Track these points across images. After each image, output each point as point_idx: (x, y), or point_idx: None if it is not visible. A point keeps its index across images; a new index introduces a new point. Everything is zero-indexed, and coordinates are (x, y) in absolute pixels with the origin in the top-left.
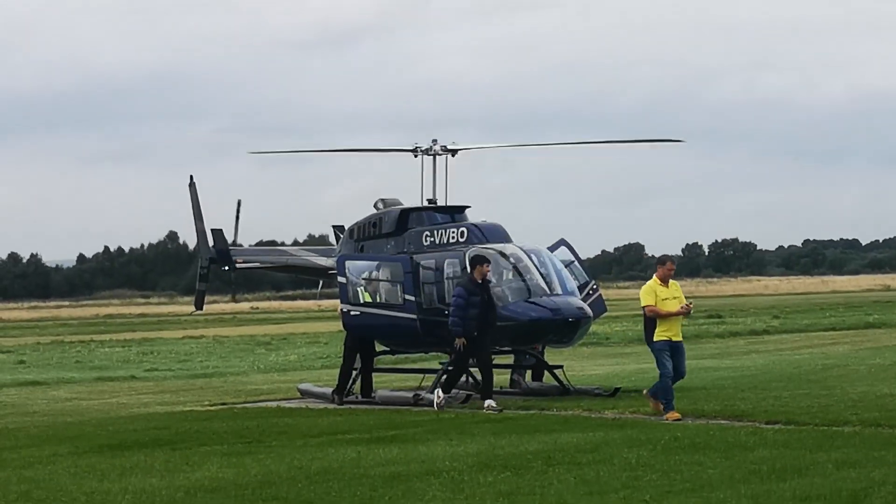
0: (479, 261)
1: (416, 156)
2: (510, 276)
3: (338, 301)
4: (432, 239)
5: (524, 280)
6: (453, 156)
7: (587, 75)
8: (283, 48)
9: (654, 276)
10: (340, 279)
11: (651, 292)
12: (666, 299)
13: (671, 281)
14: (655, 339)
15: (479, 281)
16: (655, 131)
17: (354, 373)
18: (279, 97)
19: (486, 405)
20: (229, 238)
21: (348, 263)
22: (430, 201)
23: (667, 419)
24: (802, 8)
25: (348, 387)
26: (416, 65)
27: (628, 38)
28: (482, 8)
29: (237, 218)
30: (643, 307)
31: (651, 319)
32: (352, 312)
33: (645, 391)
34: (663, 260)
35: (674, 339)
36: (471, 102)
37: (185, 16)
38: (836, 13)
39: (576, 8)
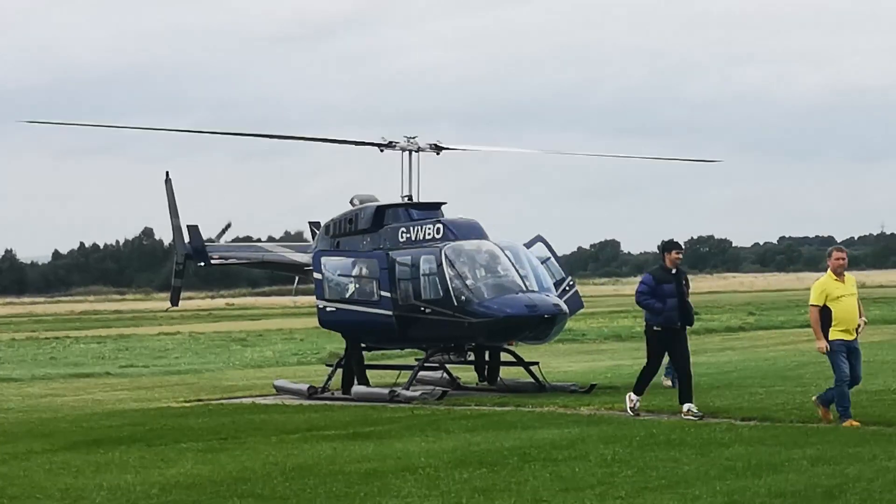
0: (670, 247)
1: (381, 150)
2: (486, 272)
3: (313, 297)
4: (408, 235)
5: (500, 276)
6: (438, 153)
7: (565, 69)
8: (261, 41)
9: (828, 270)
10: (316, 275)
11: (821, 290)
12: (840, 297)
13: (846, 274)
14: (830, 338)
15: (672, 269)
16: (633, 125)
17: (333, 369)
18: (257, 91)
19: (685, 409)
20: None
21: (324, 260)
22: (406, 198)
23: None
24: (779, 2)
25: (325, 384)
26: (394, 58)
27: (605, 32)
28: (460, 1)
29: (222, 233)
30: (810, 306)
31: (825, 317)
32: (327, 308)
33: (814, 397)
34: (831, 251)
35: (850, 339)
36: (448, 96)
37: (162, 9)
38: (814, 8)
39: (554, 1)
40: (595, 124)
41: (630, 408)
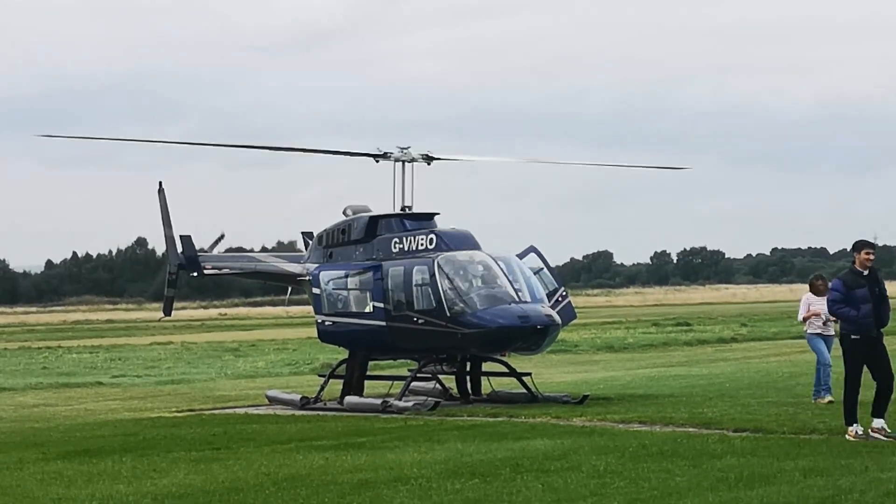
0: (860, 246)
1: (377, 161)
2: (478, 283)
3: (305, 308)
4: (401, 246)
5: (493, 287)
6: (429, 164)
7: (556, 79)
8: (253, 51)
9: None
10: (315, 290)
11: None
12: None
13: None
14: None
15: (864, 270)
16: (624, 136)
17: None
18: (248, 100)
19: (875, 425)
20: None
21: (323, 274)
22: (404, 208)
23: None
24: (770, 12)
25: (318, 394)
26: (386, 68)
27: (597, 43)
28: (451, 11)
29: (215, 244)
30: None
31: None
32: (326, 322)
33: None
34: None
35: None
36: (441, 106)
37: (154, 18)
38: (805, 18)
39: (544, 12)
40: (585, 135)
41: (855, 435)
